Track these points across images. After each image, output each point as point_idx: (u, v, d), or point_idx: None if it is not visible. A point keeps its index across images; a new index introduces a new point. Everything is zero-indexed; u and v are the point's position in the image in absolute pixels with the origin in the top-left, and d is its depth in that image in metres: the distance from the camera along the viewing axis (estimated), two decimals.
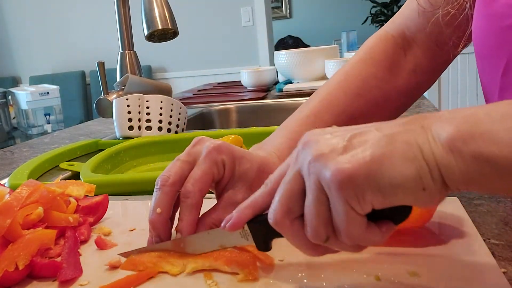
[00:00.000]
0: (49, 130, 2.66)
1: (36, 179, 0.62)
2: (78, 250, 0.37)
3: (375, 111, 0.50)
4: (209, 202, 0.45)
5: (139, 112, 0.78)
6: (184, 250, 0.34)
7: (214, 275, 0.32)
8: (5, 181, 0.63)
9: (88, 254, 0.37)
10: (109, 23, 3.34)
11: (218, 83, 1.96)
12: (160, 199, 0.35)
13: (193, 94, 1.57)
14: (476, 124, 0.23)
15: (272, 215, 0.28)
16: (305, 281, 0.29)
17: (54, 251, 0.36)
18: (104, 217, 0.44)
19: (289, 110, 1.23)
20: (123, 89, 0.88)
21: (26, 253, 0.33)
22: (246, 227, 0.31)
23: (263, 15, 3.08)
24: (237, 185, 0.37)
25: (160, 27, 0.84)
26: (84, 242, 0.39)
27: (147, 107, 0.78)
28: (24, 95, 2.62)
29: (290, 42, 5.16)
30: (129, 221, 0.43)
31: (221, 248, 0.33)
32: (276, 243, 0.32)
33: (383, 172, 0.24)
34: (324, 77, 1.41)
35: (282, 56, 1.37)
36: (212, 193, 0.49)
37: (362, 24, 4.86)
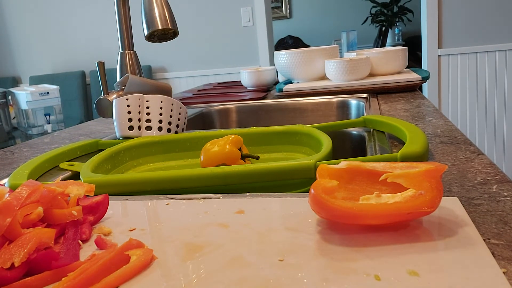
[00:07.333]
0: (49, 130, 2.66)
1: (36, 179, 0.62)
2: (79, 241, 0.37)
3: None
4: (209, 202, 0.45)
5: (139, 112, 0.78)
6: None
7: None
8: (5, 181, 0.63)
9: (88, 254, 0.37)
10: (109, 23, 3.34)
11: (218, 83, 1.96)
12: None
13: (193, 94, 1.57)
14: None
15: None
16: (305, 281, 0.29)
17: (54, 249, 0.36)
18: (104, 217, 0.44)
19: (289, 110, 1.25)
20: (123, 89, 0.89)
21: (23, 251, 0.32)
22: None
23: (263, 15, 3.08)
24: None
25: (160, 27, 0.84)
26: (85, 241, 0.39)
27: (147, 107, 0.78)
28: (24, 95, 2.62)
29: (290, 42, 5.17)
30: (129, 221, 0.43)
31: None
32: (276, 242, 0.32)
33: None
34: (324, 77, 1.41)
35: (282, 56, 1.37)
36: (211, 193, 0.49)
37: (362, 24, 4.87)
